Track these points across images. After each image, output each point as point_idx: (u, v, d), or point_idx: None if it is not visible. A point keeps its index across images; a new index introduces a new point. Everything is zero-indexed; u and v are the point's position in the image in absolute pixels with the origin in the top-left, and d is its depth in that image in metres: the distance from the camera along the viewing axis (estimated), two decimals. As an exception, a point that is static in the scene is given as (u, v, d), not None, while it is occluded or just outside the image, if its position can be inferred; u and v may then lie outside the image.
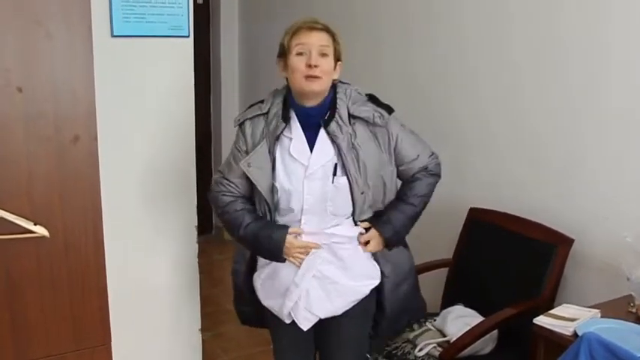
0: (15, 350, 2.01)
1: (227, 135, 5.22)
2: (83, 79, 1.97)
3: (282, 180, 2.06)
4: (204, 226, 3.36)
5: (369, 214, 2.13)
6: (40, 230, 1.93)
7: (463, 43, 3.01)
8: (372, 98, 2.14)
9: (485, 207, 2.85)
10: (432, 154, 2.25)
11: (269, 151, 2.07)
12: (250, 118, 2.12)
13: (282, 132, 2.07)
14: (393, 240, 2.16)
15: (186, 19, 2.50)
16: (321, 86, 2.03)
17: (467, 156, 3.06)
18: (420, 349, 2.51)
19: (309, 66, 2.00)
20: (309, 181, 2.04)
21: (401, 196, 2.20)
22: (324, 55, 2.04)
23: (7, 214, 1.88)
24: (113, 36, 2.36)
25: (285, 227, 2.08)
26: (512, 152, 2.83)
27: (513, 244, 2.68)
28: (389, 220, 2.14)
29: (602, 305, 2.18)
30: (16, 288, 1.97)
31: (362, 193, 2.06)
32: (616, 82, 2.41)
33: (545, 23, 2.64)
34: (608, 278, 2.43)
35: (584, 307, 2.15)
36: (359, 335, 2.24)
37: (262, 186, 2.06)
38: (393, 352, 2.54)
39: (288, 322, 2.16)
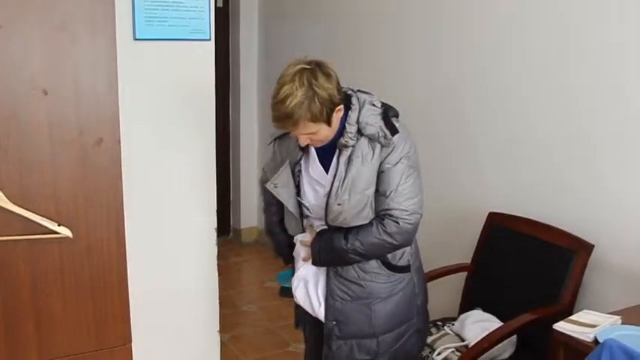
0: (38, 348, 2.04)
1: (246, 137, 5.25)
2: (107, 82, 1.99)
3: (309, 198, 2.11)
4: (221, 229, 3.38)
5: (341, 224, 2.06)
6: (64, 231, 1.96)
7: (491, 51, 3.00)
8: (385, 114, 2.03)
9: (504, 212, 2.84)
10: (411, 212, 1.99)
11: (292, 171, 2.10)
12: (279, 137, 2.18)
13: (300, 158, 2.10)
14: (315, 253, 2.10)
15: (207, 23, 2.52)
16: (325, 142, 2.01)
17: (486, 161, 3.06)
18: (439, 354, 2.51)
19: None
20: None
21: (349, 230, 2.03)
22: (312, 133, 1.95)
23: (33, 214, 1.91)
24: (136, 39, 2.39)
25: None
26: (532, 157, 2.82)
27: (532, 250, 2.67)
28: (325, 236, 2.08)
29: (622, 312, 2.16)
30: (39, 287, 2.01)
31: (338, 205, 1.99)
32: (636, 85, 2.39)
33: (560, 30, 2.63)
34: (629, 284, 2.42)
35: (605, 313, 2.13)
36: None
37: (290, 204, 2.12)
38: (411, 356, 2.54)
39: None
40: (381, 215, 2.01)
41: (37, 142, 1.92)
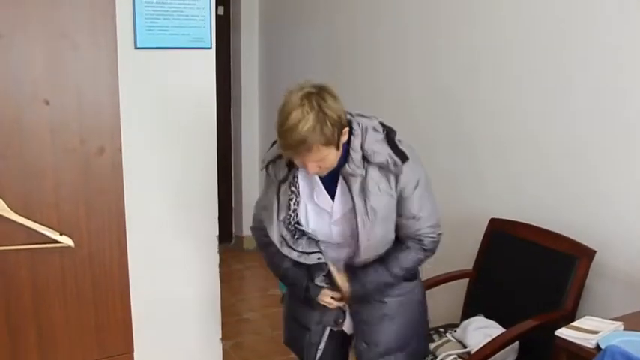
0: (40, 357, 2.05)
1: (247, 145, 5.26)
2: (108, 91, 2.00)
3: (311, 223, 2.07)
4: (223, 236, 3.37)
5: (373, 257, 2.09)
6: (66, 240, 1.97)
7: (492, 56, 3.01)
8: (390, 138, 2.00)
9: (506, 218, 2.84)
10: (436, 225, 2.08)
11: (277, 191, 2.04)
12: (272, 161, 2.08)
13: (287, 175, 2.02)
14: (358, 296, 2.11)
15: (208, 31, 2.53)
16: (332, 168, 1.95)
17: (487, 166, 3.06)
18: (441, 360, 2.50)
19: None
20: (335, 225, 2.07)
21: (386, 261, 2.07)
22: (322, 159, 1.89)
23: (35, 224, 1.92)
24: (137, 48, 2.40)
25: (320, 287, 2.12)
26: (533, 163, 2.82)
27: (534, 255, 2.66)
28: (363, 276, 2.07)
29: (625, 317, 2.15)
30: (41, 296, 2.01)
31: (368, 240, 2.00)
32: (639, 90, 2.39)
33: (561, 34, 2.63)
34: (631, 290, 2.41)
35: (607, 319, 2.13)
36: None
37: (269, 227, 2.05)
38: (414, 363, 2.54)
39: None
40: (416, 238, 2.06)
41: (39, 151, 1.93)
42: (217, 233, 2.69)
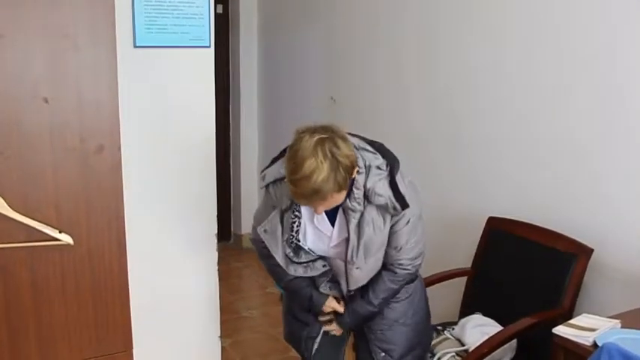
0: (40, 355, 2.05)
1: (246, 143, 5.26)
2: (107, 89, 2.00)
3: (310, 244, 2.11)
4: (222, 234, 3.39)
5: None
6: (65, 238, 1.97)
7: (490, 53, 3.02)
8: (392, 178, 1.98)
9: (504, 216, 2.85)
10: (416, 257, 2.12)
11: (280, 218, 2.06)
12: (272, 182, 2.07)
13: (291, 206, 2.04)
14: (352, 329, 2.26)
15: (207, 30, 2.53)
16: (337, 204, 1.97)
17: (486, 165, 3.06)
18: (439, 358, 2.51)
19: None
20: (333, 248, 2.10)
21: (364, 294, 2.14)
22: (331, 203, 1.91)
23: (34, 222, 1.92)
24: (136, 47, 2.40)
25: (326, 295, 2.20)
26: (531, 162, 2.83)
27: (532, 254, 2.67)
28: (348, 315, 2.19)
29: (622, 315, 2.16)
30: (41, 294, 2.01)
31: (357, 269, 2.06)
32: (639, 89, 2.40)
33: (560, 27, 2.64)
34: (629, 288, 2.42)
35: (604, 317, 2.14)
36: None
37: (274, 251, 2.09)
38: (412, 360, 2.55)
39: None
40: (392, 267, 2.10)
41: (39, 150, 1.93)
42: (216, 231, 2.69)
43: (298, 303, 2.26)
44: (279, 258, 2.10)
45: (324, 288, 2.19)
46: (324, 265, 2.14)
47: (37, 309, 2.01)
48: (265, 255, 2.17)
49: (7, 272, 1.95)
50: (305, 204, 1.93)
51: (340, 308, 2.21)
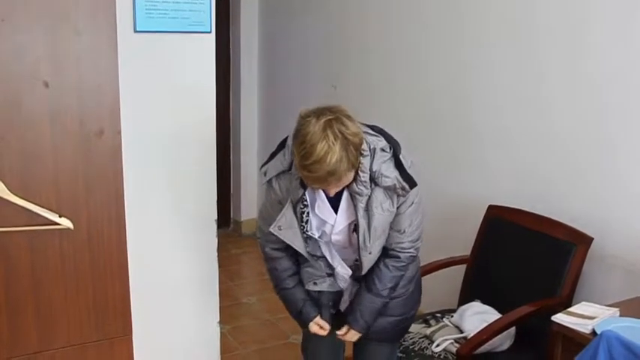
0: (38, 338, 2.06)
1: (246, 129, 5.25)
2: (108, 74, 2.00)
3: (314, 231, 2.08)
4: (221, 220, 3.38)
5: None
6: (65, 222, 1.97)
7: (494, 41, 3.01)
8: (397, 158, 1.98)
9: (503, 205, 2.85)
10: (416, 240, 2.12)
11: (294, 210, 2.04)
12: (276, 176, 2.05)
13: (302, 196, 2.02)
14: (369, 328, 2.20)
15: (208, 15, 2.51)
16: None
17: (486, 153, 3.06)
18: (437, 345, 2.52)
19: None
20: (336, 235, 2.09)
21: (371, 287, 2.13)
22: (344, 182, 1.91)
23: (34, 206, 1.92)
24: (136, 31, 2.38)
25: (315, 313, 2.20)
26: (532, 150, 2.82)
27: (532, 242, 2.67)
28: (362, 316, 2.16)
29: (621, 304, 2.17)
30: (40, 278, 2.02)
31: (369, 254, 2.06)
32: None
33: (569, 18, 2.63)
34: (628, 277, 2.43)
35: (603, 305, 2.15)
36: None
37: (297, 245, 2.08)
38: (410, 347, 2.55)
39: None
40: (394, 251, 2.10)
41: (39, 134, 1.93)
42: (216, 217, 2.69)
43: (288, 310, 2.28)
44: (303, 251, 2.09)
45: (326, 312, 2.23)
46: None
47: (37, 293, 2.02)
48: (273, 257, 2.19)
49: (6, 256, 1.96)
50: (319, 187, 1.93)
51: (322, 332, 2.21)
